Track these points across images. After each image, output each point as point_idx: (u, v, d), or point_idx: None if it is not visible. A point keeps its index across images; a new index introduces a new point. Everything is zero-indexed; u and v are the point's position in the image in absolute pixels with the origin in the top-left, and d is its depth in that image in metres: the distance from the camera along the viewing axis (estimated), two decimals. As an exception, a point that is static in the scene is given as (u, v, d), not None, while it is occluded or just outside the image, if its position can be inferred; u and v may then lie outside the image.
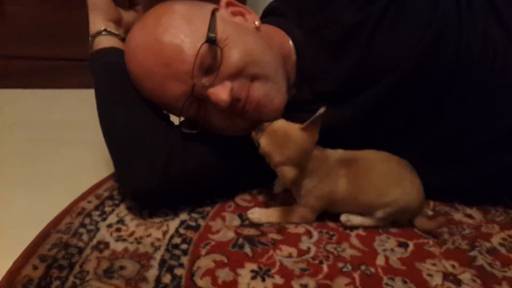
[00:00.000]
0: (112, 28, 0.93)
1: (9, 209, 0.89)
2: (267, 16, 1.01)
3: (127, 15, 0.97)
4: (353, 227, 0.84)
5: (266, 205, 0.91)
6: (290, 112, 0.87)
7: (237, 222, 0.85)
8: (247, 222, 0.85)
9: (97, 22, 0.92)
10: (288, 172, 0.78)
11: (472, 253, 0.79)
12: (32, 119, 1.33)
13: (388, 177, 0.83)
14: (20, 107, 1.42)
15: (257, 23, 0.88)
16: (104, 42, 0.91)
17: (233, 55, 0.80)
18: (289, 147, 0.78)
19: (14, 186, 0.97)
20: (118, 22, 0.94)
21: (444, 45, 0.85)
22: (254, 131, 0.82)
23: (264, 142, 0.80)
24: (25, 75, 1.52)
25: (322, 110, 0.77)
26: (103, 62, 0.89)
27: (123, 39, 0.93)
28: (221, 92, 0.78)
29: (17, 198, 0.93)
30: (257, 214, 0.85)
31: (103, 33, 0.91)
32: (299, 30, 0.95)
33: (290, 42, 0.94)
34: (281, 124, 0.81)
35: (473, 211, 0.92)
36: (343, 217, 0.83)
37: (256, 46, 0.84)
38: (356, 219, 0.83)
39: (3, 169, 1.05)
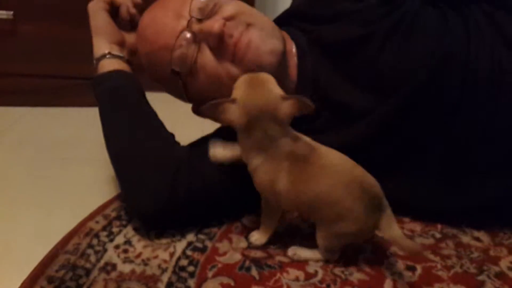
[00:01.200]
0: (116, 50, 0.94)
1: (18, 228, 0.90)
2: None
3: (130, 37, 0.98)
4: (300, 261, 0.80)
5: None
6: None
7: (244, 244, 0.85)
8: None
9: (101, 45, 0.94)
10: (232, 110, 0.73)
11: (481, 277, 0.78)
12: (41, 137, 1.34)
13: (327, 197, 0.74)
14: (29, 125, 1.43)
15: None
16: (108, 65, 0.92)
17: (231, 5, 0.86)
18: (257, 92, 0.74)
19: (23, 205, 0.98)
20: (121, 44, 0.96)
21: (453, 63, 0.86)
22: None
23: (240, 79, 0.77)
24: (35, 93, 1.54)
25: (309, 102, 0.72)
26: (107, 86, 0.90)
27: (127, 61, 0.95)
28: (215, 21, 0.82)
29: (25, 217, 0.94)
30: (256, 235, 0.84)
31: (107, 56, 0.93)
32: (304, 37, 0.97)
33: (294, 47, 0.95)
34: (266, 75, 0.77)
35: (481, 234, 0.91)
36: (290, 251, 0.81)
37: (256, 12, 0.90)
38: (304, 253, 0.80)
39: (12, 188, 1.06)
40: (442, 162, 0.89)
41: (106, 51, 0.93)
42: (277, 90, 0.75)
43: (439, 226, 0.93)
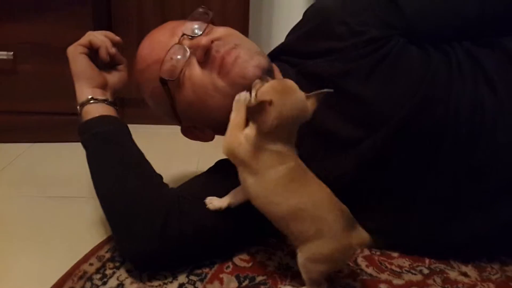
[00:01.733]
0: (98, 94, 0.96)
1: (12, 270, 0.91)
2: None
3: (111, 77, 1.00)
4: None
5: (264, 264, 0.92)
6: None
7: (234, 284, 0.86)
8: (244, 284, 0.86)
9: (83, 90, 0.95)
10: (270, 112, 0.74)
11: (468, 315, 0.80)
12: (40, 174, 1.37)
13: (313, 209, 0.76)
14: (29, 162, 1.45)
15: None
16: (93, 110, 0.94)
17: (221, 28, 0.95)
18: (291, 98, 0.77)
19: (18, 246, 0.99)
20: (103, 86, 0.98)
21: (433, 104, 0.88)
22: (258, 79, 0.81)
23: (266, 87, 0.78)
24: (34, 130, 1.57)
25: (327, 90, 0.79)
26: (93, 133, 0.92)
27: (111, 103, 0.97)
28: (202, 38, 0.90)
29: (20, 258, 0.95)
30: (215, 202, 0.87)
31: (91, 101, 0.94)
32: (292, 70, 1.00)
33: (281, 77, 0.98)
34: (292, 82, 0.80)
35: (469, 269, 0.92)
36: None
37: (244, 37, 0.97)
38: None
39: (8, 227, 1.07)
40: (429, 199, 0.91)
41: (89, 96, 0.94)
42: (302, 93, 0.79)
43: (427, 260, 0.95)
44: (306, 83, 0.96)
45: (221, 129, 0.85)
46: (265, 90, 0.78)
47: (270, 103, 0.74)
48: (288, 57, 1.05)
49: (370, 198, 0.92)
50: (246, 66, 0.89)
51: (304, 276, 0.79)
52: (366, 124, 0.91)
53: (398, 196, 0.92)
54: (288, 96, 0.77)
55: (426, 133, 0.88)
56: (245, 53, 0.91)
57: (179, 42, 0.92)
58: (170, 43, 0.92)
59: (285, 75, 0.99)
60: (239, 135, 0.79)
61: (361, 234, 0.77)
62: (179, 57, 0.91)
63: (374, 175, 0.91)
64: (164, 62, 0.91)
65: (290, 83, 0.79)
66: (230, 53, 0.90)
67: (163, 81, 0.92)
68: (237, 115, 0.82)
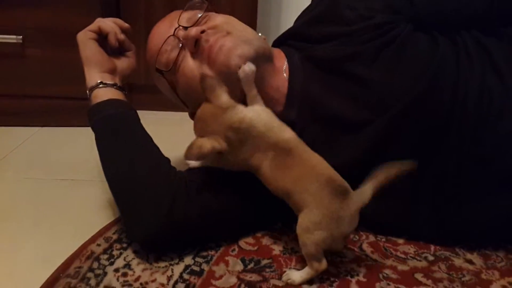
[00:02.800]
0: (107, 79, 0.97)
1: (21, 251, 0.92)
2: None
3: (120, 63, 1.01)
4: (295, 284, 0.82)
5: (269, 248, 0.93)
6: None
7: (240, 267, 0.87)
8: (249, 267, 0.87)
9: (93, 75, 0.96)
10: (206, 142, 0.82)
11: (472, 301, 0.80)
12: (48, 157, 1.38)
13: (296, 184, 0.81)
14: (37, 145, 1.47)
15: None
16: (102, 94, 0.95)
17: (219, 17, 0.97)
18: (209, 120, 0.85)
19: (27, 227, 1.00)
20: (112, 71, 0.99)
21: (440, 90, 0.88)
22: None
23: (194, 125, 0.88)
24: (43, 114, 1.58)
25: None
26: (102, 116, 0.93)
27: (120, 88, 0.98)
28: (193, 29, 0.93)
29: (28, 239, 0.96)
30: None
31: (100, 85, 0.95)
32: (298, 54, 1.01)
33: (286, 64, 1.00)
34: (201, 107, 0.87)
35: (474, 257, 0.92)
36: (284, 277, 0.83)
37: (241, 25, 0.97)
38: (295, 275, 0.82)
39: (17, 210, 1.08)
40: (433, 186, 0.91)
41: (98, 81, 0.96)
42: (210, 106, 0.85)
43: (432, 247, 0.95)
44: (312, 67, 0.97)
45: None
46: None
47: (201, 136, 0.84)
48: (295, 42, 1.06)
49: None
50: (229, 56, 0.91)
51: (303, 252, 0.81)
52: (372, 108, 0.91)
53: (403, 181, 0.91)
54: (206, 120, 0.86)
55: (432, 118, 0.88)
56: (230, 41, 0.92)
57: (174, 34, 0.95)
58: (167, 34, 0.96)
59: (290, 60, 1.00)
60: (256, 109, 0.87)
61: (350, 202, 0.79)
62: (172, 48, 0.95)
63: (379, 159, 0.90)
64: (160, 53, 0.96)
65: (200, 109, 0.87)
66: (217, 42, 0.92)
67: (159, 72, 0.97)
68: (250, 89, 0.89)
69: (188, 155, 0.82)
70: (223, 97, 0.84)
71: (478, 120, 0.87)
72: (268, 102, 0.97)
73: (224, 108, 0.83)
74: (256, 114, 0.85)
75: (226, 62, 0.91)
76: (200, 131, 0.86)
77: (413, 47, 0.92)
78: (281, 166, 0.82)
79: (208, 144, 0.81)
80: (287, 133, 0.85)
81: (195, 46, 0.93)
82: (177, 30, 0.95)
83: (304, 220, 0.79)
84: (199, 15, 0.96)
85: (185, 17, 0.97)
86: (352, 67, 0.93)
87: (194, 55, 0.95)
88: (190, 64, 0.95)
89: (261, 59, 0.94)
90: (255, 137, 0.83)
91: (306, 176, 0.81)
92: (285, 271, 0.85)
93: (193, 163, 0.95)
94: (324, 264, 0.80)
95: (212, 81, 0.85)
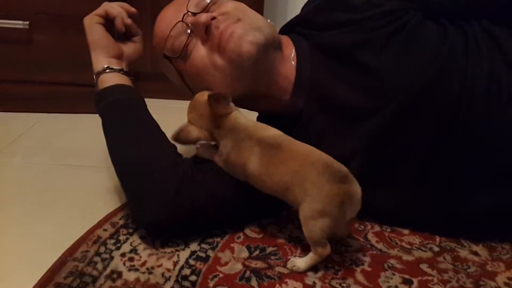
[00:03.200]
0: (114, 64, 0.97)
1: (29, 235, 0.93)
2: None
3: (127, 48, 1.01)
4: (300, 271, 0.83)
5: (274, 236, 0.93)
6: (285, 125, 0.91)
7: (245, 254, 0.87)
8: (255, 254, 0.87)
9: (99, 59, 0.96)
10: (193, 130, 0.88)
11: (477, 292, 0.80)
12: (54, 143, 1.39)
13: (294, 175, 0.81)
14: (43, 131, 1.47)
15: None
16: (108, 79, 0.95)
17: (229, 3, 0.96)
18: (196, 110, 0.89)
19: (34, 213, 1.01)
20: (119, 56, 0.99)
21: (449, 79, 0.88)
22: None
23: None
24: (49, 100, 1.59)
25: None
26: (109, 101, 0.93)
27: (126, 73, 0.98)
28: (204, 15, 0.92)
29: (36, 223, 0.97)
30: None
31: (107, 70, 0.96)
32: (306, 42, 1.00)
33: (294, 51, 0.99)
34: (198, 94, 0.91)
35: (479, 248, 0.92)
36: (289, 264, 0.84)
37: (251, 11, 0.97)
38: (300, 262, 0.83)
39: (23, 195, 1.09)
40: (440, 175, 0.91)
41: (105, 65, 0.96)
42: (203, 98, 0.88)
43: (437, 238, 0.95)
44: (320, 55, 0.97)
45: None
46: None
47: (189, 122, 0.89)
48: (303, 29, 1.05)
49: (383, 171, 0.92)
50: (240, 43, 0.90)
51: (307, 238, 0.81)
52: (380, 96, 0.90)
53: (410, 170, 0.91)
54: (195, 109, 0.90)
55: (440, 107, 0.88)
56: (241, 28, 0.91)
57: (182, 20, 0.94)
58: (175, 20, 0.94)
59: (298, 48, 1.00)
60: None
61: (351, 186, 0.79)
62: (181, 34, 0.94)
63: (387, 148, 0.90)
64: (168, 39, 0.95)
65: (195, 96, 0.91)
66: (227, 29, 0.91)
67: (167, 57, 0.97)
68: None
69: (176, 137, 0.87)
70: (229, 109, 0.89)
71: (486, 109, 0.87)
72: (277, 91, 0.97)
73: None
74: (242, 115, 0.90)
75: (237, 49, 0.90)
76: (192, 119, 0.89)
77: (422, 35, 0.92)
78: (274, 161, 0.83)
79: (195, 133, 0.88)
80: (272, 131, 0.87)
81: (206, 33, 0.92)
82: (185, 15, 0.94)
83: (307, 209, 0.79)
84: (208, 1, 0.95)
85: (194, 2, 0.95)
86: (361, 55, 0.93)
87: (204, 42, 0.94)
88: (201, 52, 0.94)
89: (271, 46, 0.94)
90: (239, 132, 0.86)
91: (303, 166, 0.81)
92: (290, 259, 0.85)
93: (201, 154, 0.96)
94: (328, 249, 0.81)
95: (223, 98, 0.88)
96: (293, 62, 0.99)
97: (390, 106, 0.89)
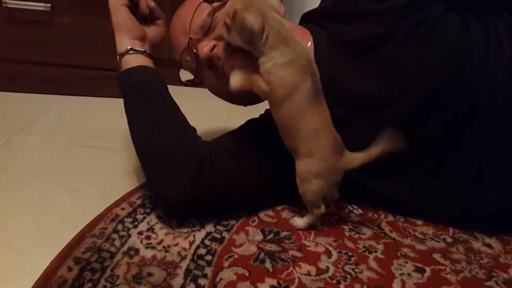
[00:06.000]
0: (137, 46, 0.98)
1: (48, 212, 0.95)
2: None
3: (150, 31, 1.02)
4: (299, 229, 0.91)
5: (288, 221, 0.94)
6: None
7: (259, 237, 0.88)
8: (269, 237, 0.88)
9: (123, 41, 0.98)
10: (249, 17, 0.79)
11: (489, 283, 0.80)
12: (73, 124, 1.41)
13: (316, 132, 0.85)
14: (63, 113, 1.49)
15: None
16: (132, 60, 0.96)
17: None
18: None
19: (53, 190, 1.03)
20: (142, 39, 1.00)
21: (469, 71, 0.88)
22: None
23: (227, 5, 0.84)
24: (68, 82, 1.60)
25: None
26: (133, 81, 0.94)
27: (149, 55, 0.99)
28: (204, 46, 0.93)
29: (55, 201, 0.99)
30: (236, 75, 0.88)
31: (130, 52, 0.97)
32: (325, 35, 1.00)
33: (311, 42, 0.99)
34: None
35: (492, 241, 0.93)
36: (290, 220, 0.93)
37: None
38: (299, 220, 0.92)
39: (44, 173, 1.11)
40: (456, 167, 0.91)
41: (129, 47, 0.97)
42: None
43: (451, 230, 0.95)
44: (339, 49, 0.96)
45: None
46: (227, 6, 0.83)
47: (236, 11, 0.80)
48: (325, 22, 1.05)
49: (399, 162, 0.92)
50: None
51: (304, 200, 0.89)
52: (399, 87, 0.90)
53: (426, 162, 0.92)
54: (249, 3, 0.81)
55: (459, 100, 0.88)
56: (242, 60, 0.89)
57: (189, 46, 0.97)
58: (182, 45, 0.98)
59: (316, 41, 0.99)
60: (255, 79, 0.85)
61: (348, 158, 0.86)
62: (191, 60, 0.98)
63: (404, 139, 0.90)
64: (181, 63, 1.01)
65: None
66: (227, 63, 0.92)
67: (186, 84, 1.02)
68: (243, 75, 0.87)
69: (228, 22, 0.82)
70: None
71: (506, 102, 0.86)
72: None
73: None
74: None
75: None
76: (244, 3, 0.81)
77: (444, 27, 0.92)
78: (315, 106, 0.84)
79: (252, 18, 0.79)
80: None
81: (209, 64, 0.95)
82: (191, 41, 0.96)
83: (303, 169, 0.86)
84: (206, 25, 0.95)
85: (196, 24, 0.95)
86: (382, 47, 0.93)
87: (211, 68, 0.96)
88: (210, 79, 0.99)
89: None
90: (296, 50, 0.83)
91: (323, 130, 0.85)
92: (304, 243, 0.87)
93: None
94: (322, 208, 0.89)
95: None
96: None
97: (409, 98, 0.89)
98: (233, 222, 0.93)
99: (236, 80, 0.86)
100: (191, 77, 1.02)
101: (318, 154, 0.84)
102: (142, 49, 0.98)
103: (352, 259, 0.84)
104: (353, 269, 0.81)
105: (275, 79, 0.82)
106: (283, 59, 0.82)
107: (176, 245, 0.84)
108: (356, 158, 0.85)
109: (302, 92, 0.82)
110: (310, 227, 0.92)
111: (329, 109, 0.90)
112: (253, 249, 0.85)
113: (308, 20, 1.09)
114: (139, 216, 0.92)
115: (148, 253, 0.81)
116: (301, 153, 0.86)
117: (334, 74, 0.95)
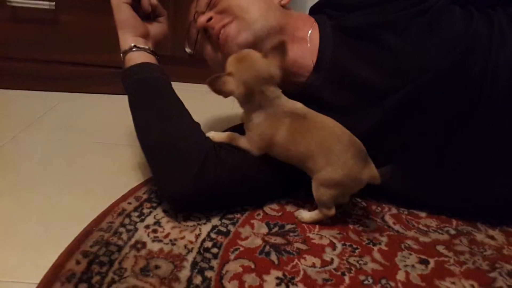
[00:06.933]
0: (141, 43, 0.99)
1: (56, 207, 0.95)
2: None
3: (153, 28, 1.04)
4: (303, 222, 0.92)
5: (293, 215, 0.95)
6: (302, 99, 0.92)
7: (265, 230, 0.89)
8: (274, 230, 0.89)
9: (127, 39, 0.99)
10: (230, 83, 0.85)
11: (492, 274, 0.81)
12: (79, 121, 1.42)
13: (320, 145, 0.86)
14: (68, 110, 1.50)
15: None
16: (135, 58, 0.97)
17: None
18: (245, 65, 0.86)
19: (60, 186, 1.04)
20: (145, 36, 1.01)
21: (471, 63, 0.88)
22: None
23: (229, 60, 0.88)
24: (73, 80, 1.62)
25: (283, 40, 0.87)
26: (137, 78, 0.95)
27: (152, 52, 1.00)
28: (200, 19, 1.00)
29: (63, 196, 0.99)
30: (212, 133, 0.94)
31: (134, 49, 0.98)
32: (330, 23, 1.02)
33: (315, 30, 1.01)
34: (247, 50, 0.90)
35: (496, 233, 0.94)
36: (296, 213, 0.94)
37: (248, 5, 0.99)
38: (305, 213, 0.92)
39: (51, 169, 1.12)
40: (458, 159, 0.92)
41: (132, 44, 0.98)
42: (258, 55, 0.88)
43: (454, 222, 0.96)
44: (342, 36, 0.98)
45: None
46: (227, 64, 0.88)
47: (230, 74, 0.86)
48: (331, 11, 1.07)
49: (399, 152, 0.93)
50: (230, 46, 0.97)
51: (316, 199, 0.89)
52: (399, 75, 0.91)
53: (427, 153, 0.92)
54: (243, 63, 0.86)
55: (461, 91, 0.88)
56: (234, 29, 0.98)
57: (194, 19, 1.03)
58: (190, 18, 1.06)
59: (321, 28, 1.01)
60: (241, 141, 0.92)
61: (372, 170, 0.85)
62: (195, 32, 1.05)
63: (405, 128, 0.91)
64: (187, 38, 1.08)
65: (245, 52, 0.89)
66: (222, 32, 0.98)
67: (188, 54, 1.09)
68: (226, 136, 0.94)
69: (210, 82, 0.85)
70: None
71: (508, 94, 0.87)
72: (288, 75, 0.97)
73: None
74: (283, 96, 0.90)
75: (230, 52, 0.94)
76: (237, 71, 0.86)
77: (446, 19, 0.93)
78: (301, 130, 0.86)
79: (232, 85, 0.86)
80: (298, 104, 0.90)
81: (206, 34, 1.02)
82: (195, 15, 1.03)
83: (325, 176, 0.85)
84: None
85: (200, 2, 1.03)
86: (384, 35, 0.94)
87: (208, 39, 1.03)
88: (208, 49, 1.04)
89: (264, 39, 0.97)
90: (275, 106, 0.87)
91: (329, 137, 0.86)
92: (308, 236, 0.88)
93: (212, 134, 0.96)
94: (333, 211, 0.89)
95: None
96: (308, 44, 1.00)
97: (409, 86, 0.90)
98: (239, 215, 0.94)
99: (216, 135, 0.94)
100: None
101: (336, 161, 0.84)
102: (146, 46, 0.99)
103: (357, 251, 0.85)
104: (357, 261, 0.82)
105: (255, 137, 0.90)
106: (259, 119, 0.88)
107: (182, 238, 0.85)
108: (376, 174, 0.85)
109: (283, 132, 0.87)
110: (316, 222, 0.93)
111: (333, 93, 0.92)
112: (259, 242, 0.86)
113: (315, 10, 1.11)
114: (145, 210, 0.93)
115: (155, 246, 0.82)
116: (317, 168, 0.86)
117: (338, 58, 0.97)
